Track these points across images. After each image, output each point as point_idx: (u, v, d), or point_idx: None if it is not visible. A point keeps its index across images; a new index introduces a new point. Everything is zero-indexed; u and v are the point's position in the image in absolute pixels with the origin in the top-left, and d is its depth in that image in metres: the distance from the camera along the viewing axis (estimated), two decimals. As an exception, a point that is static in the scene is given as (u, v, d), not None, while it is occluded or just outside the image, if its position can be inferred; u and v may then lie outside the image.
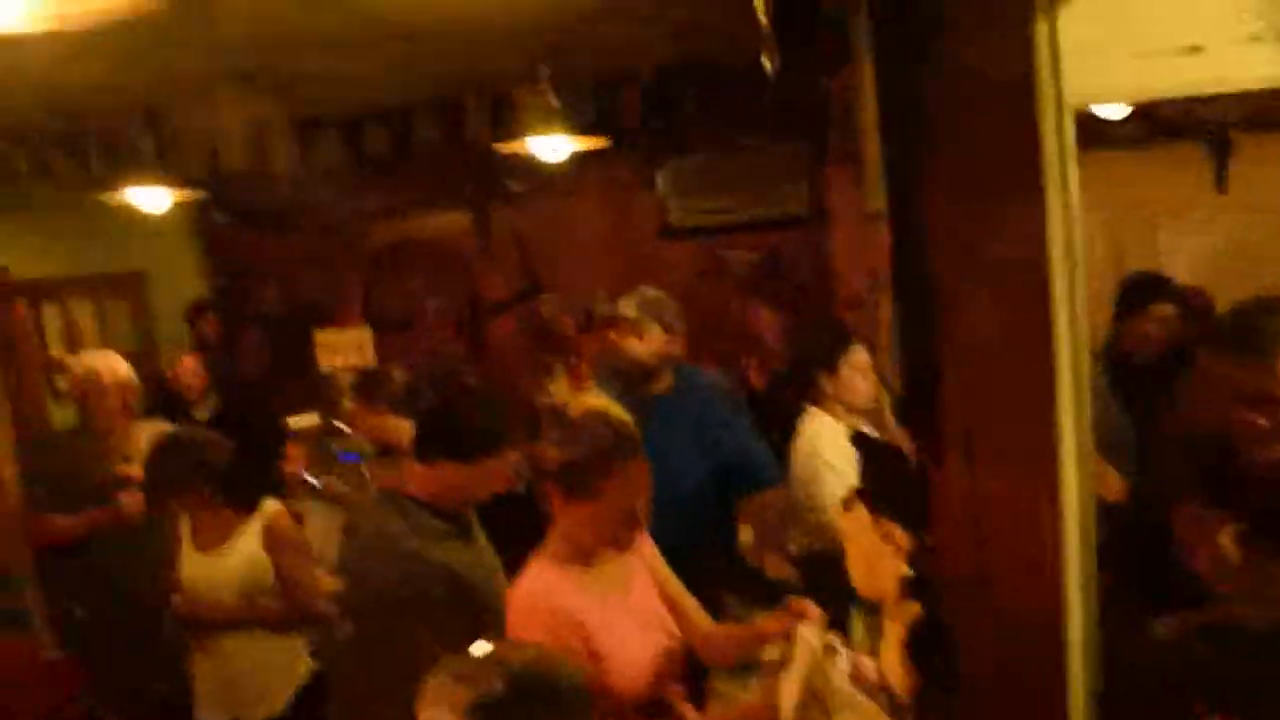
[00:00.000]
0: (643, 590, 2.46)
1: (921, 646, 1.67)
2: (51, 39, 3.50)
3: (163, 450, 3.37)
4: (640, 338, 3.59)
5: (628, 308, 3.64)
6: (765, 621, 2.39)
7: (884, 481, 2.07)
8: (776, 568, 3.69)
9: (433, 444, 2.57)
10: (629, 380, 3.61)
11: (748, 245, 6.10)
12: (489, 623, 2.47)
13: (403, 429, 3.77)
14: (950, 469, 1.98)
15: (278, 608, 3.32)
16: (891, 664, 1.71)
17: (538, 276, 6.21)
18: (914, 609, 1.69)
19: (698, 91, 5.43)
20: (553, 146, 4.62)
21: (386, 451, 3.96)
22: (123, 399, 4.26)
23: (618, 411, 2.38)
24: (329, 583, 4.33)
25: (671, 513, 3.15)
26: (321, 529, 4.60)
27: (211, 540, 3.34)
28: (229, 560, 3.31)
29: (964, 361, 1.92)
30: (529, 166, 5.48)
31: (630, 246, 6.11)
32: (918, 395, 2.18)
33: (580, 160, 5.06)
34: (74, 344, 5.83)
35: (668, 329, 3.61)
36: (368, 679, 2.52)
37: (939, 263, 2.03)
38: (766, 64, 2.84)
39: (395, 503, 2.57)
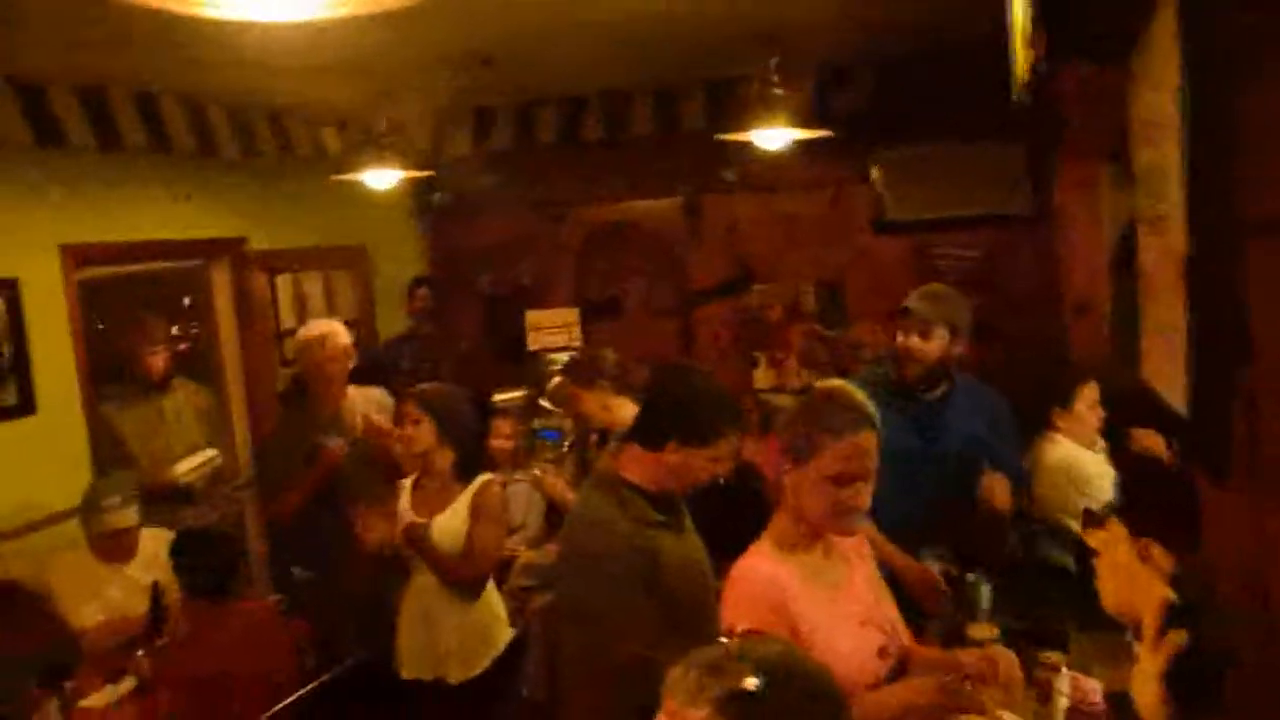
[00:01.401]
0: (863, 588, 2.39)
1: (1184, 677, 1.54)
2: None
3: (458, 409, 3.54)
4: (924, 337, 3.42)
5: (914, 303, 3.48)
6: (964, 656, 2.33)
7: (1147, 500, 1.94)
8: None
9: (663, 427, 2.54)
10: (902, 382, 3.45)
11: (962, 243, 5.90)
12: (691, 613, 2.46)
13: (627, 411, 3.81)
14: (1232, 489, 1.83)
15: (453, 565, 3.43)
16: (1147, 694, 1.59)
17: (747, 266, 6.16)
18: (1179, 637, 1.56)
19: (923, 82, 5.28)
20: (775, 136, 4.56)
21: (601, 434, 4.01)
22: (342, 366, 4.48)
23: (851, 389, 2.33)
24: (526, 554, 4.45)
25: (917, 518, 3.09)
26: (524, 501, 4.72)
27: (433, 506, 3.47)
28: (444, 524, 3.44)
29: (1267, 378, 1.76)
30: (744, 155, 5.45)
31: (842, 239, 6.00)
32: (1208, 413, 2.02)
33: (796, 150, 4.98)
34: (303, 313, 6.13)
35: (953, 330, 3.42)
36: (579, 657, 2.55)
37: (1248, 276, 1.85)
38: (1021, 57, 2.70)
39: (612, 487, 2.57)
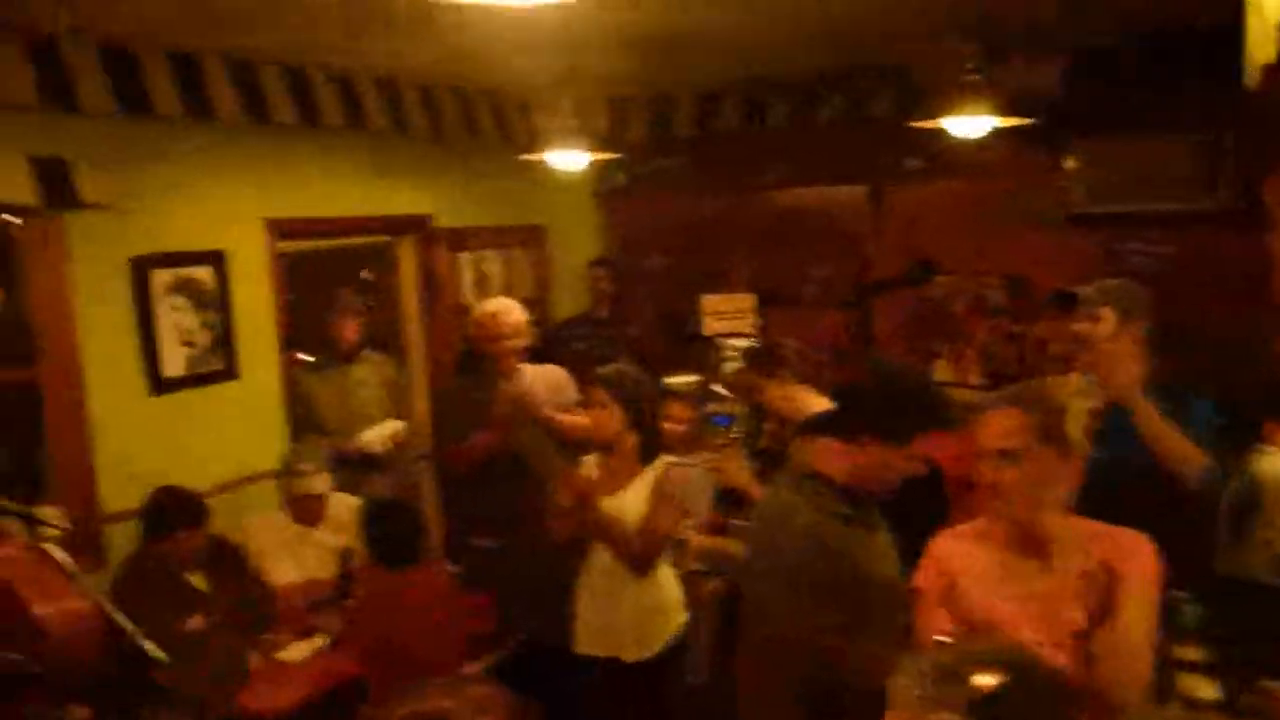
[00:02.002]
0: (1052, 602, 2.30)
1: None
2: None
3: (643, 393, 3.60)
4: (1093, 320, 3.31)
5: (1081, 290, 3.38)
6: None
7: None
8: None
9: (861, 422, 2.50)
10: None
11: (1158, 239, 5.63)
12: (878, 610, 2.42)
13: (810, 401, 3.78)
14: None
15: (631, 544, 3.46)
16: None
17: (930, 257, 6.01)
18: None
19: (1123, 69, 5.05)
20: (971, 124, 4.43)
21: (780, 423, 3.99)
22: (516, 344, 4.55)
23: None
24: (697, 539, 4.46)
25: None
26: (696, 485, 4.73)
27: (614, 486, 3.52)
28: (624, 504, 3.48)
29: None
30: (932, 143, 5.32)
31: (1032, 231, 5.79)
32: None
33: (988, 138, 4.83)
34: (483, 290, 6.28)
35: (1124, 313, 3.33)
36: (762, 650, 2.54)
37: None
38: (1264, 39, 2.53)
39: (804, 481, 2.55)
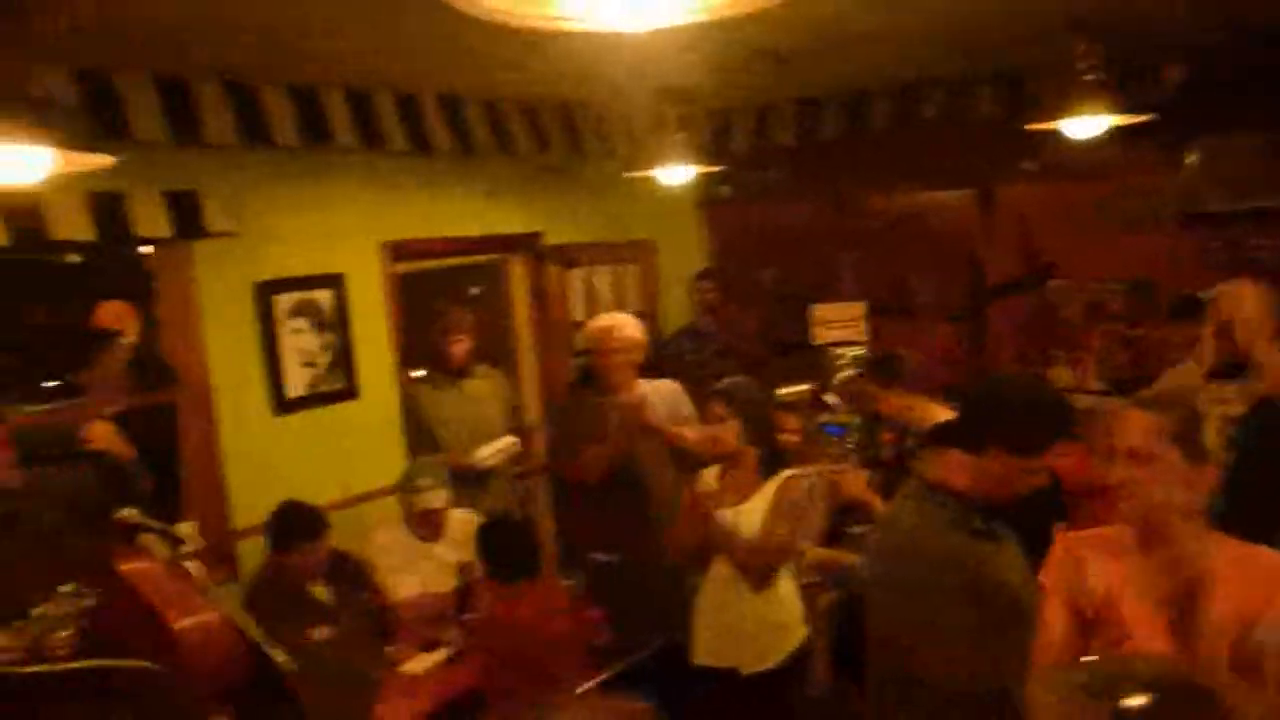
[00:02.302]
0: (1188, 599, 2.22)
1: None
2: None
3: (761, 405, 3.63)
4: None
5: (1204, 293, 3.30)
6: None
7: None
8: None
9: (987, 433, 2.46)
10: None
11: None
12: (1010, 623, 2.38)
13: (931, 411, 3.74)
14: None
15: (751, 556, 3.46)
16: None
17: (1044, 261, 5.88)
18: None
19: (1242, 66, 4.89)
20: (1087, 125, 4.32)
21: (898, 434, 3.96)
22: (630, 359, 4.58)
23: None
24: (813, 551, 4.44)
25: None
26: (813, 498, 4.70)
27: (734, 498, 3.52)
28: (744, 516, 3.48)
29: None
30: (1043, 144, 5.20)
31: (1150, 231, 5.62)
32: None
33: (1102, 138, 4.71)
34: (592, 306, 6.34)
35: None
36: (891, 666, 2.52)
37: None
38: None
39: (931, 494, 2.52)
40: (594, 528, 4.59)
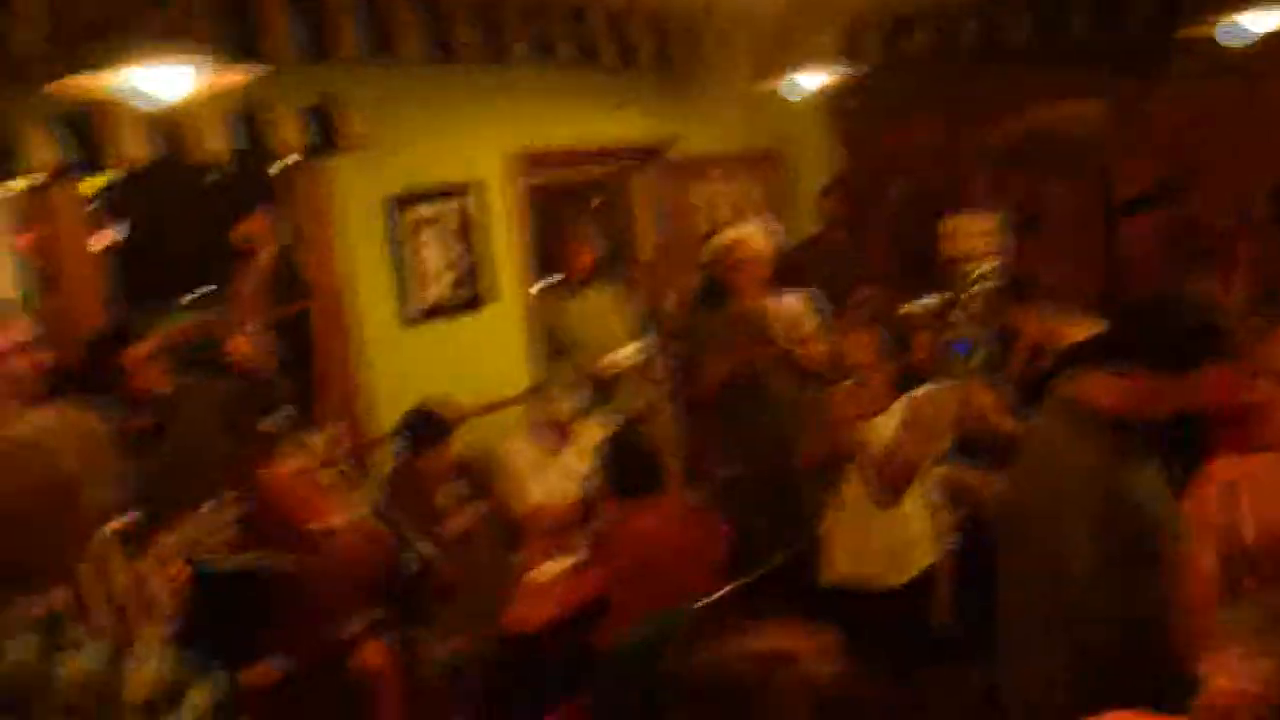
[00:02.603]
0: None
1: None
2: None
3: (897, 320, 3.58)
4: None
5: None
6: None
7: None
8: None
9: (1136, 351, 2.35)
10: None
11: None
12: (1152, 551, 2.32)
13: (1069, 330, 3.63)
14: None
15: (880, 473, 3.41)
16: None
17: (1187, 170, 5.57)
18: None
19: None
20: (1246, 28, 4.05)
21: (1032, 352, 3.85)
22: (758, 272, 4.54)
23: None
24: (938, 470, 4.39)
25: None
26: (943, 415, 4.63)
27: (867, 413, 3.48)
28: (876, 433, 3.44)
29: None
30: (1188, 50, 4.91)
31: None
32: None
33: (1255, 41, 4.41)
34: (718, 218, 6.28)
35: None
36: (1025, 591, 2.49)
37: None
38: None
39: (1074, 413, 2.44)
40: (718, 441, 4.61)
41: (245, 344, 3.41)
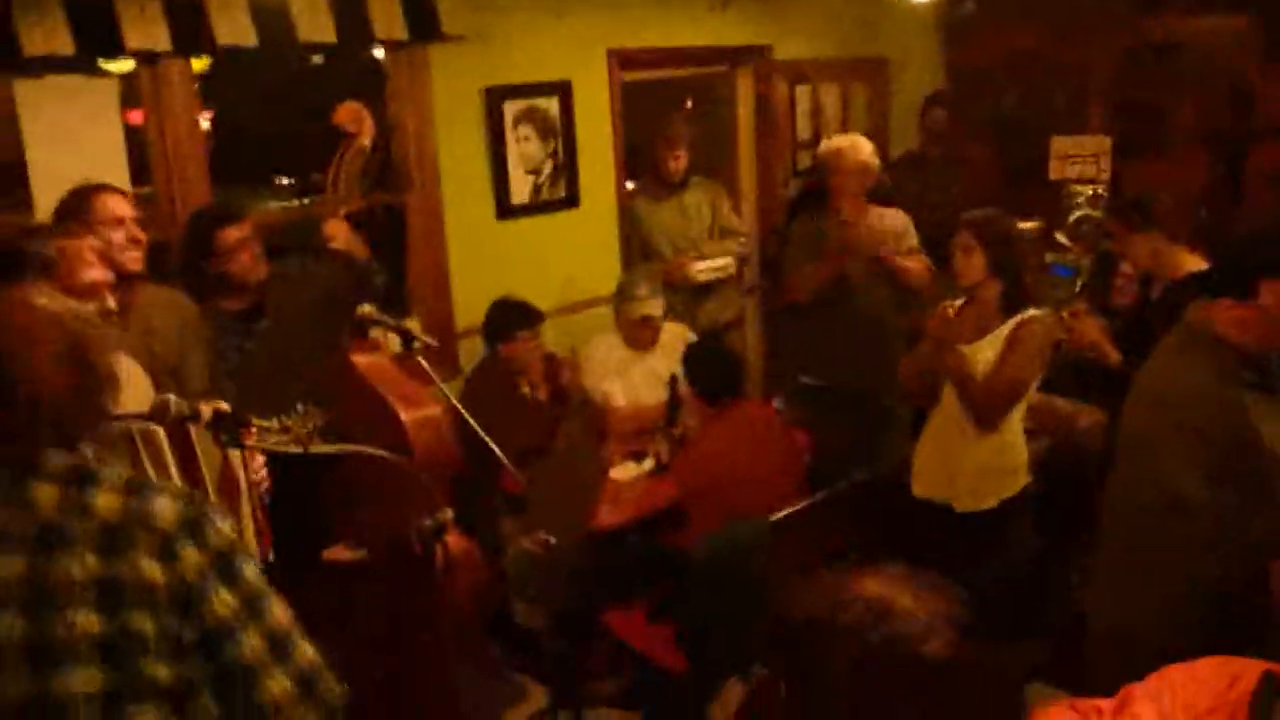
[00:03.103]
0: None
1: None
2: None
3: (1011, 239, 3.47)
4: None
5: None
6: None
7: None
8: None
9: (1252, 268, 2.30)
10: None
11: None
12: (1266, 485, 2.27)
13: (1183, 259, 3.51)
14: None
15: (981, 395, 3.36)
16: None
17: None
18: None
19: None
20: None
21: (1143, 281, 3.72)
22: (860, 181, 4.44)
23: None
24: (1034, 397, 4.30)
25: None
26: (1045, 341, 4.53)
27: (972, 334, 3.42)
28: (980, 354, 3.38)
29: None
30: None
31: None
32: None
33: None
34: (819, 123, 6.14)
35: None
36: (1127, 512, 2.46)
37: None
38: None
39: (1203, 342, 2.39)
40: (804, 350, 4.58)
41: (340, 230, 3.42)
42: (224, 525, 1.63)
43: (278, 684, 1.59)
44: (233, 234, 3.49)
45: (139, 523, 1.52)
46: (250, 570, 1.63)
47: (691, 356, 3.95)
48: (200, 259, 3.38)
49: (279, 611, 1.64)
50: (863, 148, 4.44)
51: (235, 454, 2.23)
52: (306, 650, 1.65)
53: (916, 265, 4.35)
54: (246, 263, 3.53)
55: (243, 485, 2.29)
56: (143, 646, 1.50)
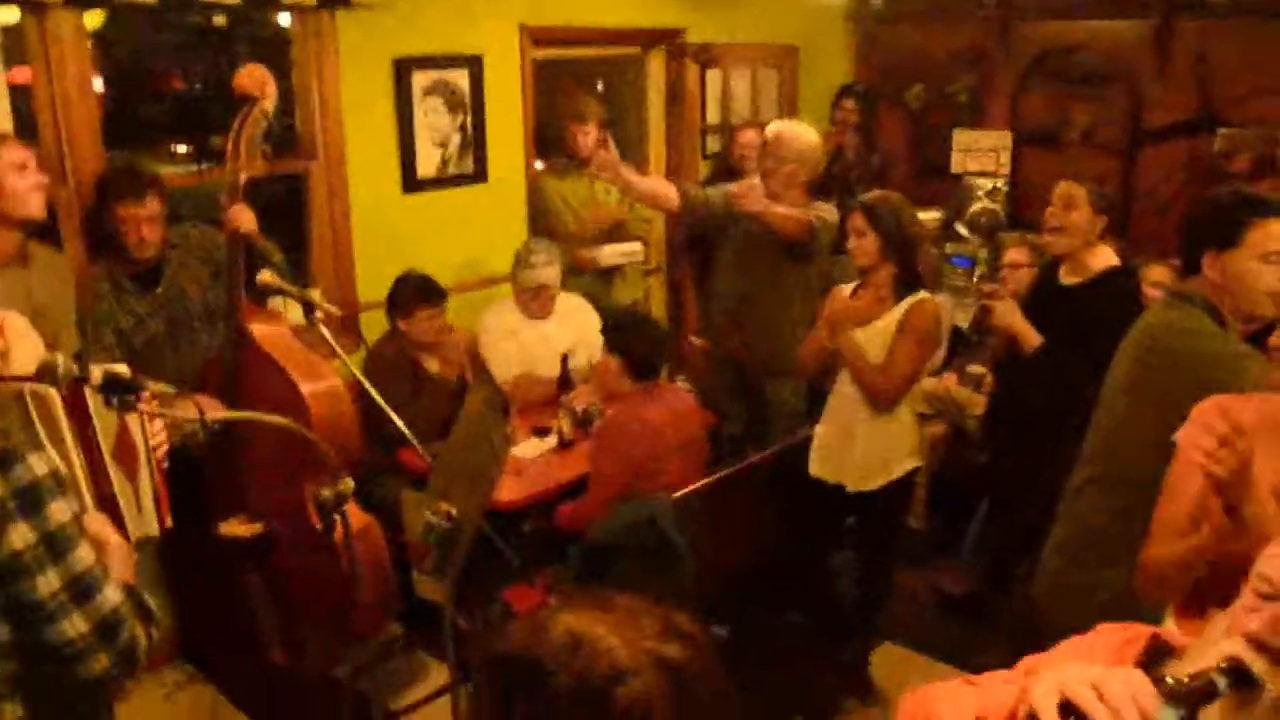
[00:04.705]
0: None
1: None
2: None
3: (903, 223, 3.50)
4: None
5: None
6: None
7: None
8: None
9: (1195, 243, 2.53)
10: None
11: None
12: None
13: (1101, 250, 3.64)
14: None
15: (874, 377, 3.44)
16: None
17: (1215, 106, 5.45)
18: None
19: None
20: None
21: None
22: (797, 173, 4.30)
23: None
24: (926, 383, 4.40)
25: None
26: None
27: (865, 317, 3.47)
28: (873, 336, 3.44)
29: None
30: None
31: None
32: None
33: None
34: (728, 108, 6.17)
35: None
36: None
37: None
38: None
39: (1192, 304, 2.51)
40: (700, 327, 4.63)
41: (245, 215, 3.34)
42: (38, 463, 1.67)
43: (73, 626, 1.67)
44: (131, 209, 3.44)
45: None
46: (59, 511, 1.67)
47: (620, 325, 3.80)
48: (97, 223, 3.37)
49: (83, 554, 1.70)
50: (803, 135, 4.28)
51: (134, 419, 2.17)
52: (111, 597, 1.72)
53: (782, 210, 4.12)
54: (144, 236, 3.48)
55: (141, 451, 2.23)
56: None
